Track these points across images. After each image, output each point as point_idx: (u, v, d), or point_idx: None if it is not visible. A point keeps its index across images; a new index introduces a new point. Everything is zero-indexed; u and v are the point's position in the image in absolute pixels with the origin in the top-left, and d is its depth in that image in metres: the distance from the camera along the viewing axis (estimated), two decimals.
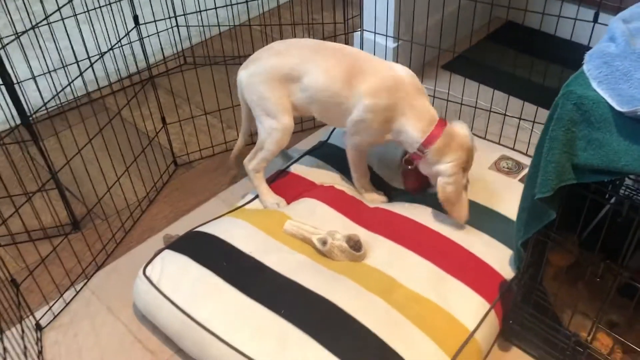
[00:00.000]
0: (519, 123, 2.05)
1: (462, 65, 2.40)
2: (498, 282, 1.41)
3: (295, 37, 2.52)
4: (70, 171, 1.70)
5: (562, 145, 0.99)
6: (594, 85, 0.97)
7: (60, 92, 1.60)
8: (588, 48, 1.11)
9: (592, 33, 1.67)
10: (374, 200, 1.69)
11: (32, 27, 1.52)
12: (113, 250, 1.75)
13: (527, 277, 1.32)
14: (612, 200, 1.21)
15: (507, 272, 1.44)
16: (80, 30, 1.65)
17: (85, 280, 1.66)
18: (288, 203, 1.68)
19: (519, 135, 2.08)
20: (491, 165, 1.71)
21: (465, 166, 1.50)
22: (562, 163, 1.00)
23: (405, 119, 1.49)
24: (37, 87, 1.65)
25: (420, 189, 1.64)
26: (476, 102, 2.14)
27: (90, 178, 1.84)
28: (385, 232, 1.53)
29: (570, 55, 1.52)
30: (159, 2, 2.36)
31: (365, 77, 1.50)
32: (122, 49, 1.91)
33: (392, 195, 1.72)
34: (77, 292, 1.62)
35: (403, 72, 1.52)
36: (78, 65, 1.70)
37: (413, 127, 1.48)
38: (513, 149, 1.91)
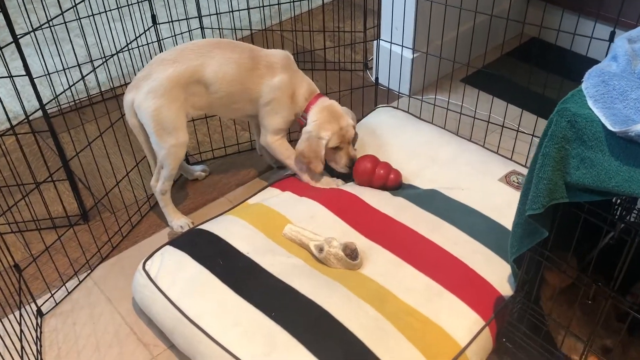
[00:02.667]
0: (532, 139, 2.02)
1: (478, 79, 2.38)
2: (495, 299, 1.39)
3: (313, 43, 2.54)
4: (80, 165, 1.74)
5: (555, 163, 0.98)
6: (590, 103, 0.95)
7: (71, 86, 1.64)
8: None
9: (607, 51, 1.64)
10: (329, 184, 1.77)
11: (46, 23, 1.56)
12: (119, 243, 1.78)
13: (522, 295, 1.30)
14: (613, 223, 1.18)
15: (506, 289, 1.42)
16: (111, 28, 1.70)
17: (89, 271, 1.69)
18: (300, 196, 1.70)
19: (532, 152, 2.05)
20: (501, 178, 1.68)
21: (335, 130, 1.69)
22: (554, 181, 0.99)
23: (298, 91, 1.71)
24: (50, 82, 1.69)
25: (367, 182, 1.72)
26: (489, 115, 2.12)
27: (101, 172, 1.88)
28: (383, 242, 1.52)
29: (585, 71, 1.52)
30: (181, 3, 2.40)
31: (265, 62, 1.68)
32: (140, 49, 1.95)
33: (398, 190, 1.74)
34: (80, 282, 1.66)
35: (283, 52, 1.73)
36: (92, 64, 1.75)
37: (301, 95, 1.72)
38: (525, 165, 1.88)
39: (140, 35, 1.83)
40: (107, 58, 1.68)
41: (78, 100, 2.32)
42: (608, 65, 1.02)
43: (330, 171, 1.83)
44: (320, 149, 1.70)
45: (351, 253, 1.48)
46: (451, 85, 2.28)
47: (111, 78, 2.40)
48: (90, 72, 1.65)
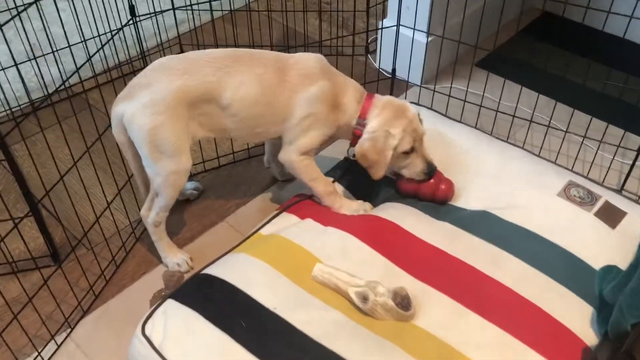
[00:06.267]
0: (565, 135, 1.78)
1: (490, 63, 2.10)
2: (580, 351, 1.16)
3: (306, 24, 2.20)
4: (44, 187, 1.39)
5: None
6: None
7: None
8: None
9: None
10: (357, 210, 1.47)
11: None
12: (102, 289, 1.46)
13: (624, 355, 1.07)
14: None
15: (590, 336, 1.19)
16: (58, 11, 1.32)
17: (69, 330, 1.37)
18: (324, 225, 1.41)
19: (570, 151, 1.83)
20: (560, 193, 1.44)
21: (406, 126, 1.38)
22: None
23: (345, 98, 1.41)
24: None
25: (413, 191, 1.48)
26: (516, 108, 1.86)
27: (70, 195, 1.51)
28: (438, 284, 1.26)
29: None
30: None
31: (296, 70, 1.38)
32: (110, 35, 1.58)
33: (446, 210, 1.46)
34: (59, 347, 1.33)
35: (316, 56, 1.43)
36: (54, 54, 1.38)
37: (351, 99, 1.42)
38: (581, 174, 1.59)
39: (118, 31, 1.46)
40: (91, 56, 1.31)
41: (30, 103, 1.92)
42: None
43: (349, 187, 1.55)
44: (387, 150, 1.38)
45: (402, 301, 1.21)
46: (471, 71, 1.99)
47: (64, 72, 1.98)
48: (71, 74, 1.29)
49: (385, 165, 1.40)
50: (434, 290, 1.25)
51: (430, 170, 1.43)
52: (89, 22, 1.46)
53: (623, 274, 1.09)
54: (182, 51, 2.22)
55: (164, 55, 2.12)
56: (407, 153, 1.40)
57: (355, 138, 1.44)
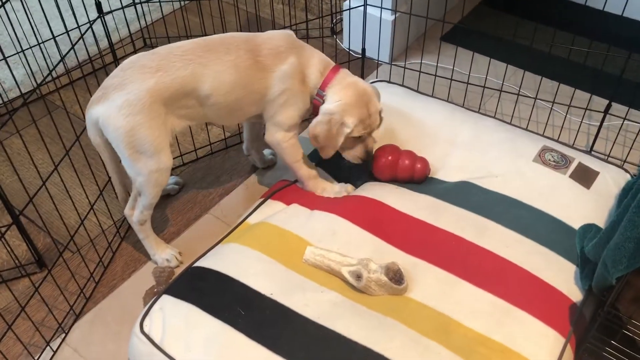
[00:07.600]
0: (534, 102, 1.83)
1: (464, 37, 2.14)
2: (568, 308, 1.22)
3: (273, 9, 2.19)
4: (27, 194, 1.36)
5: None
6: None
7: None
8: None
9: None
10: (339, 192, 1.49)
11: None
12: (92, 291, 1.45)
13: (609, 307, 1.12)
14: None
15: (575, 293, 1.24)
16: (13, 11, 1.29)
17: (63, 335, 1.35)
18: (311, 209, 1.43)
19: (539, 117, 1.88)
20: (535, 158, 1.48)
21: (363, 117, 1.38)
22: None
23: (308, 69, 1.41)
24: None
25: (390, 176, 1.49)
26: (485, 79, 1.90)
27: (49, 199, 1.50)
28: (427, 256, 1.29)
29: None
30: None
31: (267, 49, 1.37)
32: (79, 33, 1.55)
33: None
34: (55, 352, 1.32)
35: (284, 32, 1.43)
36: (24, 53, 1.35)
37: (314, 70, 1.41)
38: (552, 138, 1.64)
39: (87, 29, 1.43)
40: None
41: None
42: None
43: (330, 170, 1.56)
44: (339, 137, 1.39)
45: (395, 276, 1.24)
46: (440, 46, 2.02)
47: (32, 73, 1.94)
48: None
49: (335, 149, 1.42)
50: (424, 262, 1.29)
51: (367, 158, 1.45)
52: (47, 22, 1.42)
53: (604, 230, 1.14)
54: (145, 44, 2.19)
55: (130, 50, 2.09)
56: (353, 138, 1.41)
57: (314, 107, 1.44)
